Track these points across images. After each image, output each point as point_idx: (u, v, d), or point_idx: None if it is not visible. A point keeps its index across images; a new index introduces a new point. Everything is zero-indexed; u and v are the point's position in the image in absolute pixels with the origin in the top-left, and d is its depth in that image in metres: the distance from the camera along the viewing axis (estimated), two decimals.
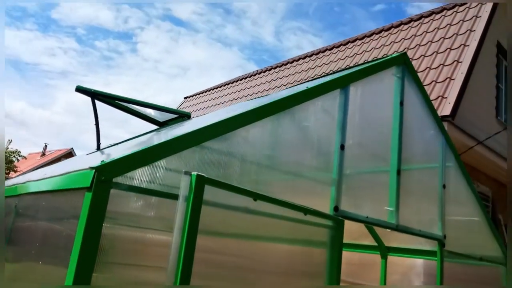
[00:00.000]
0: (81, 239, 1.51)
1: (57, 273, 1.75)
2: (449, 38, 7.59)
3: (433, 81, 6.82)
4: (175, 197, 1.74)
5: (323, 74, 9.78)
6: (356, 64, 9.03)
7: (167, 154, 1.74)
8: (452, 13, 8.21)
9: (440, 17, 8.38)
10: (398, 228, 2.86)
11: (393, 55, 3.11)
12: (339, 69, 9.28)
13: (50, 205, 2.02)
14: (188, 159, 1.81)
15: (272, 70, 12.37)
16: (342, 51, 10.15)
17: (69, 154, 29.89)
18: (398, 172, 2.94)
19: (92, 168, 1.61)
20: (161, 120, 5.86)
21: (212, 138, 1.88)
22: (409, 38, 8.50)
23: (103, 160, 1.63)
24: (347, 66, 8.46)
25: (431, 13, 8.71)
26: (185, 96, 15.40)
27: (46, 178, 2.09)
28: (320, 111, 2.49)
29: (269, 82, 11.76)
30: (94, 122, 5.04)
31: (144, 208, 1.71)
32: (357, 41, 10.01)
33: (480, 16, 7.48)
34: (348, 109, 2.65)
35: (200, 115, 10.91)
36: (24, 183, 2.55)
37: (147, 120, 5.80)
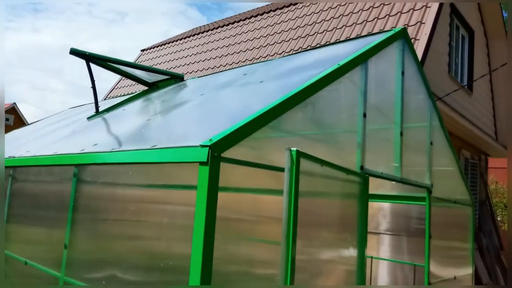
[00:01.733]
0: (205, 209, 1.84)
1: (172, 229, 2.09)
2: None
3: (367, 34, 7.38)
4: (267, 167, 2.12)
5: (298, 26, 10.02)
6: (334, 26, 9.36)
7: (260, 126, 2.08)
8: None
9: None
10: (402, 180, 3.43)
11: (396, 30, 3.53)
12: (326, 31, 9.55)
13: (143, 174, 2.30)
14: (272, 129, 2.16)
15: (231, 26, 12.38)
16: (299, 9, 10.39)
17: (12, 109, 28.18)
18: (401, 133, 3.47)
19: (203, 145, 1.92)
20: (149, 81, 5.97)
21: (295, 106, 2.25)
22: None
23: (211, 139, 1.94)
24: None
25: None
26: (142, 48, 15.01)
27: (137, 150, 2.33)
28: (349, 84, 2.89)
29: (228, 37, 11.81)
30: (90, 85, 5.07)
31: (245, 179, 2.07)
32: None
33: None
34: (368, 81, 3.07)
35: (166, 69, 10.70)
36: (88, 153, 2.75)
37: (137, 81, 5.89)
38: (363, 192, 2.87)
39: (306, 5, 10.48)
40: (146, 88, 6.09)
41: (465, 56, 10.41)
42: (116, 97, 13.45)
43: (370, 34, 3.62)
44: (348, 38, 7.97)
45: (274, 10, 11.10)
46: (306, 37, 9.19)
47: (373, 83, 3.17)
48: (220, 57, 11.19)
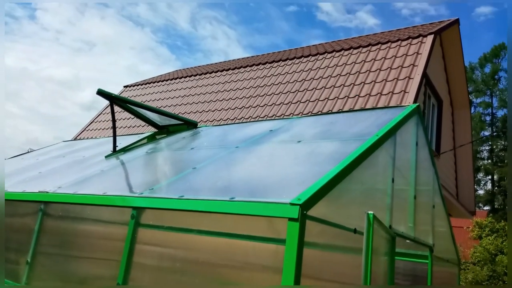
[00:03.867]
0: (294, 264, 2.11)
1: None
2: (395, 69, 8.96)
3: (385, 106, 8.09)
4: (341, 227, 2.43)
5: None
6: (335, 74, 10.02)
7: (334, 185, 2.40)
8: (396, 46, 9.63)
9: (386, 48, 9.76)
10: (415, 240, 3.82)
11: (413, 106, 4.05)
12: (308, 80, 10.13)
13: (225, 225, 2.54)
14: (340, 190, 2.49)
15: (219, 73, 12.91)
16: (288, 65, 11.11)
17: None
18: (415, 197, 3.90)
19: (293, 203, 2.22)
20: (160, 124, 6.20)
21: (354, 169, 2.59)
22: (359, 63, 9.76)
23: (299, 198, 2.24)
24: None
25: (378, 42, 10.07)
26: (125, 85, 15.16)
27: (222, 200, 2.56)
28: (384, 153, 3.31)
29: (218, 84, 12.29)
30: (111, 125, 5.23)
31: (323, 235, 2.36)
32: (310, 56, 11.06)
33: (421, 53, 8.97)
34: (396, 149, 3.51)
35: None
36: (149, 198, 2.93)
37: (148, 123, 6.10)
38: (392, 250, 3.22)
39: (288, 64, 11.20)
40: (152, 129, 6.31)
41: (434, 123, 11.39)
42: (94, 130, 13.36)
43: (394, 107, 4.12)
44: (358, 94, 8.61)
45: (271, 62, 11.71)
46: (304, 91, 9.75)
47: (398, 151, 3.61)
48: (208, 102, 11.56)
